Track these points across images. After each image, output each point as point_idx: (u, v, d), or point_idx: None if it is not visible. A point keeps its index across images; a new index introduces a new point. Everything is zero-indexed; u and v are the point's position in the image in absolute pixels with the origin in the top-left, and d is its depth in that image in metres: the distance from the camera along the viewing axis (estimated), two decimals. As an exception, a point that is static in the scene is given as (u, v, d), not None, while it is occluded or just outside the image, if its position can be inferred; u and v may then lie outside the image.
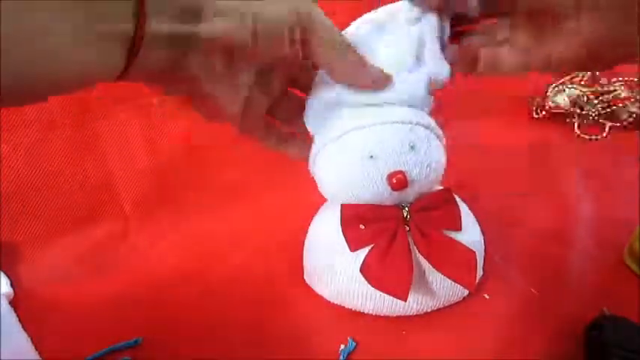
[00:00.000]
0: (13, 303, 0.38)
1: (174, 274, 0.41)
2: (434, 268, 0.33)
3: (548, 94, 0.62)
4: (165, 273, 0.41)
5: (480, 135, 0.59)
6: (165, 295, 0.39)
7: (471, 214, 0.38)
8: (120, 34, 0.22)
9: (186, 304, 0.38)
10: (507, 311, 0.36)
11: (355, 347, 0.34)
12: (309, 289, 0.39)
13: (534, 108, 0.63)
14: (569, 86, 0.61)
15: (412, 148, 0.32)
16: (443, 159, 0.34)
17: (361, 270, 0.33)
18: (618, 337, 0.32)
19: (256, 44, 0.26)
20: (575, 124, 0.61)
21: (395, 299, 0.33)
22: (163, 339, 0.35)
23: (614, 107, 0.59)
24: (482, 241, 0.38)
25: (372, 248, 0.33)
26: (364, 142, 0.32)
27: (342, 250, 0.34)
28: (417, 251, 0.33)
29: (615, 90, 0.59)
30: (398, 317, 0.36)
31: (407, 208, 0.34)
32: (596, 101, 0.59)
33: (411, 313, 0.35)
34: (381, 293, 0.33)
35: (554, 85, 0.62)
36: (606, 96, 0.59)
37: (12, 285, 0.39)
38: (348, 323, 0.36)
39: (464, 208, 0.37)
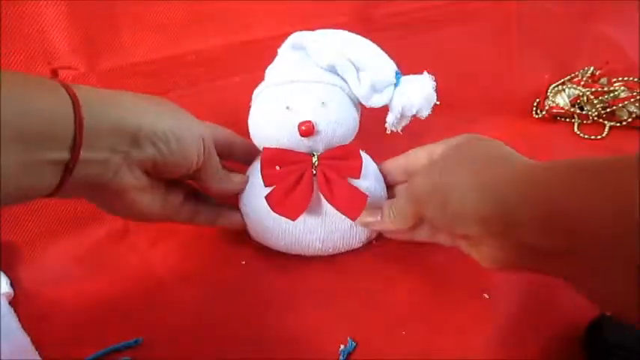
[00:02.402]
0: (13, 303, 0.38)
1: (174, 274, 0.41)
2: (328, 201, 0.37)
3: (548, 94, 0.62)
4: (165, 273, 0.41)
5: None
6: (165, 295, 0.39)
7: (378, 171, 0.41)
8: (57, 161, 0.26)
9: (186, 304, 0.38)
10: (507, 311, 0.36)
11: (355, 347, 0.34)
12: (309, 289, 0.39)
13: (534, 108, 0.63)
14: (569, 86, 0.61)
15: (323, 104, 0.37)
16: (352, 119, 0.38)
17: (266, 197, 0.37)
18: (618, 337, 0.32)
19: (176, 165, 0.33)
20: (575, 124, 0.61)
21: (305, 241, 0.39)
22: (163, 339, 0.35)
23: (614, 107, 0.59)
24: (383, 193, 0.41)
25: (280, 183, 0.38)
26: (284, 95, 0.38)
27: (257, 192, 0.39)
28: (320, 194, 0.38)
29: (615, 90, 0.59)
30: (397, 317, 0.36)
31: (316, 156, 0.38)
32: (596, 101, 0.59)
33: (315, 253, 0.40)
34: (293, 233, 0.39)
35: (554, 85, 0.62)
36: (606, 96, 0.59)
37: (12, 285, 0.39)
38: (348, 323, 0.36)
39: (371, 165, 0.41)
